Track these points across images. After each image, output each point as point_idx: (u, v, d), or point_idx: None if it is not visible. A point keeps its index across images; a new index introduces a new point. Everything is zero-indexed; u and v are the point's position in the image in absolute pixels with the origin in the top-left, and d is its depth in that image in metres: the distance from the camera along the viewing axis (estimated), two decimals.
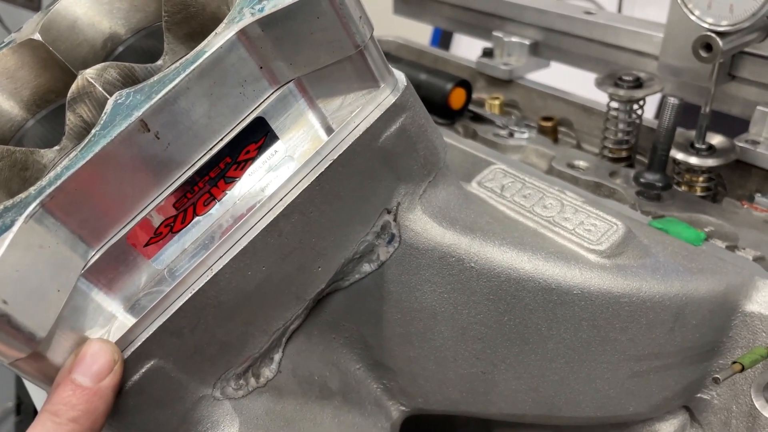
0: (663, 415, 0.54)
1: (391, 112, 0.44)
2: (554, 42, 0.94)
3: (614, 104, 0.77)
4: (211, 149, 0.40)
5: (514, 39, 0.97)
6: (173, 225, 0.40)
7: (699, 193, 0.72)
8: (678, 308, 0.47)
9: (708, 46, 0.63)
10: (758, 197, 0.69)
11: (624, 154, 0.79)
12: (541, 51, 0.97)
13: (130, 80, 0.48)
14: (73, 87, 0.46)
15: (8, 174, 0.44)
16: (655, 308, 0.47)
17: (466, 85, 0.87)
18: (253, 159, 0.42)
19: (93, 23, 0.53)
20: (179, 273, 0.39)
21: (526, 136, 0.83)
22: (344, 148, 0.42)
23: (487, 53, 1.00)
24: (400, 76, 0.45)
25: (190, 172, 0.39)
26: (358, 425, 0.51)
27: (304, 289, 0.45)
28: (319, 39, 0.39)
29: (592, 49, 0.90)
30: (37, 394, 0.99)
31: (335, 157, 0.42)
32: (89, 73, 0.46)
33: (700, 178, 0.72)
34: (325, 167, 0.42)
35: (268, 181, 0.42)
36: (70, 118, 0.46)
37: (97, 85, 0.45)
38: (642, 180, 0.67)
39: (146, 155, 0.37)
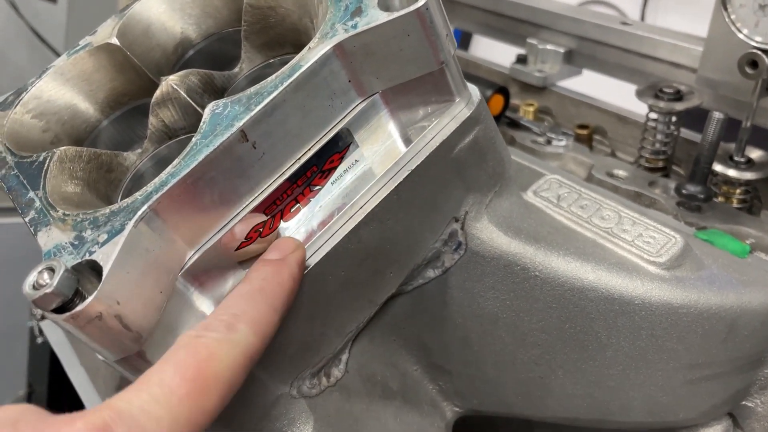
0: (708, 421, 0.55)
1: (466, 125, 0.45)
2: (589, 50, 0.96)
3: (653, 115, 0.79)
4: (300, 158, 0.41)
5: (549, 47, 0.99)
6: (262, 230, 0.41)
7: (735, 204, 0.74)
8: (732, 319, 0.49)
9: (754, 63, 0.65)
10: None
11: (661, 164, 0.80)
12: (574, 59, 0.99)
13: (209, 87, 0.49)
14: (158, 93, 0.47)
15: (96, 176, 0.45)
16: (711, 319, 0.48)
17: (505, 92, 0.88)
18: (335, 168, 0.43)
19: (166, 28, 0.54)
20: None
21: (563, 143, 0.85)
22: (421, 159, 0.44)
23: (521, 59, 1.02)
24: (474, 90, 0.46)
25: (281, 180, 0.41)
26: (417, 424, 0.53)
27: (376, 293, 0.47)
28: (407, 55, 0.41)
29: (627, 59, 0.92)
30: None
31: (413, 168, 0.44)
32: (173, 80, 0.47)
33: (738, 191, 0.74)
34: (403, 177, 0.44)
35: (350, 189, 0.43)
36: (153, 122, 0.48)
37: (181, 92, 0.47)
38: (684, 191, 0.69)
39: (244, 163, 0.39)
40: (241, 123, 0.38)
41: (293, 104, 0.40)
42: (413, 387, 0.54)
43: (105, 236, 0.36)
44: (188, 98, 0.47)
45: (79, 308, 0.33)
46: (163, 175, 0.38)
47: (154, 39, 0.54)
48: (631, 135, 0.86)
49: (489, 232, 0.49)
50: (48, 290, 0.33)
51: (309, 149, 0.41)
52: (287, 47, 0.50)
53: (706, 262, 0.52)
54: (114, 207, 0.37)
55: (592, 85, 1.02)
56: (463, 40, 1.92)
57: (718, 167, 0.72)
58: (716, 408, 0.54)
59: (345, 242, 0.43)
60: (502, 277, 0.49)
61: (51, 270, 0.34)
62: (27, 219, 0.40)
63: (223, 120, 0.39)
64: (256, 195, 0.40)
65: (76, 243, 0.37)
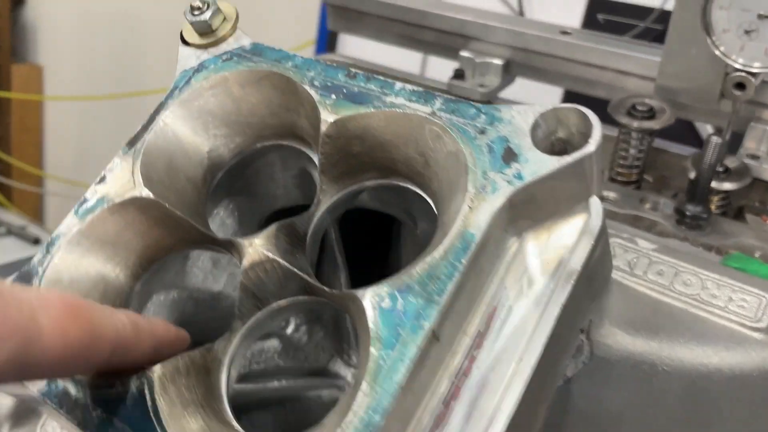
0: None
1: (599, 236, 0.42)
2: (529, 61, 0.95)
3: (626, 131, 0.80)
4: (468, 333, 0.35)
5: (487, 59, 0.97)
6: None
7: (714, 211, 0.78)
8: None
9: (741, 85, 0.68)
10: None
11: (634, 177, 0.83)
12: (513, 70, 0.98)
13: (294, 238, 0.41)
14: (246, 263, 0.38)
15: (203, 390, 0.36)
16: None
17: None
18: (491, 325, 0.38)
19: (189, 155, 0.44)
20: None
21: None
22: (573, 282, 0.40)
23: (458, 75, 0.98)
24: (594, 198, 0.43)
25: (460, 358, 0.35)
26: None
27: (531, 427, 0.43)
28: (565, 194, 0.36)
29: (570, 68, 0.92)
30: None
31: (567, 294, 0.39)
32: (261, 245, 0.38)
33: (716, 198, 0.78)
34: (561, 307, 0.39)
35: (514, 334, 0.38)
36: (243, 298, 0.39)
37: (278, 259, 0.38)
38: (688, 213, 0.71)
39: (431, 362, 0.33)
40: (432, 322, 0.32)
41: (470, 277, 0.34)
42: None
43: None
44: (288, 265, 0.38)
45: None
46: (357, 410, 0.30)
47: (182, 173, 0.44)
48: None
49: (613, 336, 0.46)
50: None
51: (476, 319, 0.36)
52: (371, 172, 0.43)
53: None
54: None
55: (520, 92, 1.03)
56: (330, 41, 1.84)
57: (693, 175, 0.75)
58: None
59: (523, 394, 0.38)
60: (628, 377, 0.47)
61: None
62: None
63: (403, 321, 0.32)
64: (436, 384, 0.34)
65: None
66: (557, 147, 0.37)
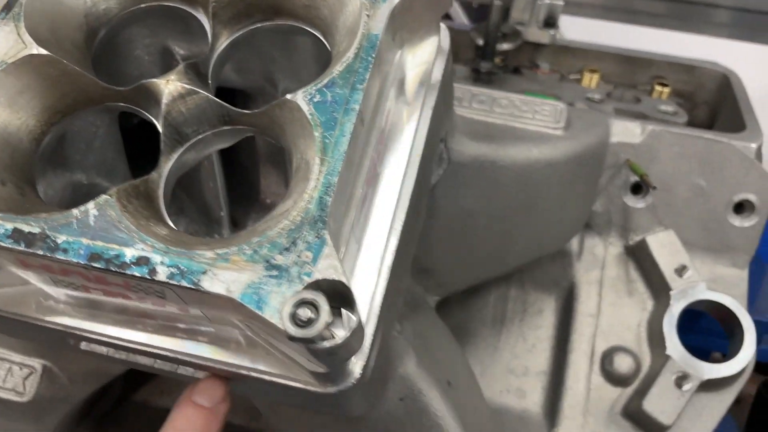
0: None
1: (449, 55, 0.51)
2: None
3: None
4: (378, 125, 0.43)
5: None
6: (365, 202, 0.43)
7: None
8: (601, 151, 0.69)
9: None
10: (540, 64, 0.94)
11: None
12: None
13: (199, 77, 0.44)
14: (166, 99, 0.41)
15: (148, 213, 0.39)
16: (594, 155, 0.67)
17: None
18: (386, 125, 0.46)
19: (68, 19, 0.45)
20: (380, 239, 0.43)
21: None
22: (436, 93, 0.49)
23: None
24: (442, 26, 0.52)
25: (371, 149, 0.42)
26: (435, 321, 0.62)
27: (420, 222, 0.52)
28: (431, 3, 0.45)
29: None
30: None
31: (434, 103, 0.48)
32: (178, 79, 0.42)
33: (497, 59, 0.93)
34: (431, 113, 0.48)
35: (400, 137, 0.46)
36: (163, 129, 0.42)
37: (197, 89, 0.42)
38: (482, 70, 0.85)
39: (361, 139, 0.40)
40: (359, 105, 0.39)
41: (377, 72, 0.41)
42: (413, 293, 0.62)
43: (309, 254, 0.35)
44: (210, 96, 0.42)
45: (354, 323, 0.33)
46: (319, 177, 0.36)
47: (65, 37, 0.44)
48: None
49: (462, 143, 0.57)
50: (326, 320, 0.32)
51: (382, 114, 0.43)
52: (256, 16, 0.47)
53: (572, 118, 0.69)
54: (286, 225, 0.35)
55: None
56: None
57: (480, 41, 0.90)
58: (587, 216, 0.75)
59: (416, 186, 0.47)
60: (477, 175, 0.59)
61: (309, 304, 0.32)
62: (160, 278, 0.34)
63: (335, 107, 0.38)
64: (367, 162, 0.41)
65: (276, 274, 0.34)
66: None
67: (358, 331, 0.34)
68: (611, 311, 0.75)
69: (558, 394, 0.72)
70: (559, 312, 0.76)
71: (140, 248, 0.35)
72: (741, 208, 0.75)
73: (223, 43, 0.46)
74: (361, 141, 0.40)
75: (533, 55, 0.96)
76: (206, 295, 0.34)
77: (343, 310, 0.34)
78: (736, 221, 0.74)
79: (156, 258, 0.35)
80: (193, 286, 0.34)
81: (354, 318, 0.33)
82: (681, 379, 0.67)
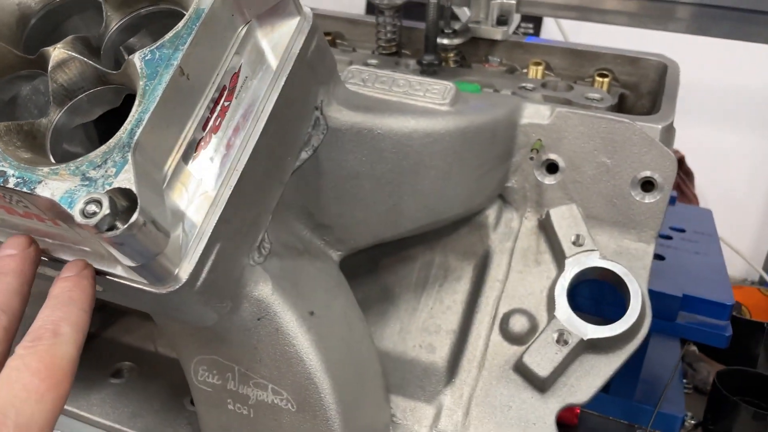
0: (490, 203, 0.83)
1: (311, 33, 0.61)
2: None
3: (380, 11, 1.02)
4: (214, 82, 0.54)
5: None
6: (202, 144, 0.53)
7: (452, 65, 1.02)
8: (494, 129, 0.75)
9: None
10: (491, 59, 1.01)
11: (394, 49, 1.05)
12: None
13: (88, 48, 0.57)
14: (53, 62, 0.54)
15: (30, 143, 0.51)
16: (484, 131, 0.74)
17: None
18: (236, 85, 0.56)
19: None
20: (220, 176, 0.54)
21: None
22: (292, 64, 0.59)
23: None
24: (306, 7, 0.62)
25: (207, 101, 0.53)
26: (322, 268, 0.71)
27: (284, 175, 0.62)
28: None
29: None
30: None
31: (288, 72, 0.59)
32: (63, 47, 0.54)
33: (451, 54, 1.02)
34: (284, 80, 0.58)
35: (253, 97, 0.57)
36: (54, 87, 0.54)
37: (77, 55, 0.54)
38: (425, 62, 0.94)
39: (184, 93, 0.50)
40: (178, 61, 0.49)
41: (205, 38, 0.52)
42: (309, 246, 0.71)
43: (113, 169, 0.46)
44: (86, 59, 0.54)
45: (133, 218, 0.44)
46: (135, 114, 0.48)
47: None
48: (365, 33, 1.09)
49: (339, 111, 0.67)
50: (106, 212, 0.42)
51: (218, 74, 0.54)
52: (143, 2, 0.59)
53: (469, 98, 0.77)
54: (103, 148, 0.47)
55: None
56: None
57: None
58: (494, 191, 0.81)
59: (261, 138, 0.57)
60: (356, 141, 0.68)
61: (95, 201, 0.43)
62: (10, 185, 0.46)
63: (159, 63, 0.49)
64: (194, 116, 0.52)
65: (87, 183, 0.45)
66: None
67: (147, 231, 0.45)
68: (518, 278, 0.81)
69: (461, 349, 0.79)
70: (474, 278, 0.83)
71: (1, 165, 0.47)
72: (650, 185, 0.79)
73: (116, 25, 0.59)
74: (186, 90, 0.51)
75: (489, 50, 1.04)
76: (41, 199, 0.46)
77: (135, 213, 0.44)
78: (640, 197, 0.79)
79: (10, 172, 0.47)
80: (29, 191, 0.46)
81: (136, 216, 0.44)
82: (562, 336, 0.72)
